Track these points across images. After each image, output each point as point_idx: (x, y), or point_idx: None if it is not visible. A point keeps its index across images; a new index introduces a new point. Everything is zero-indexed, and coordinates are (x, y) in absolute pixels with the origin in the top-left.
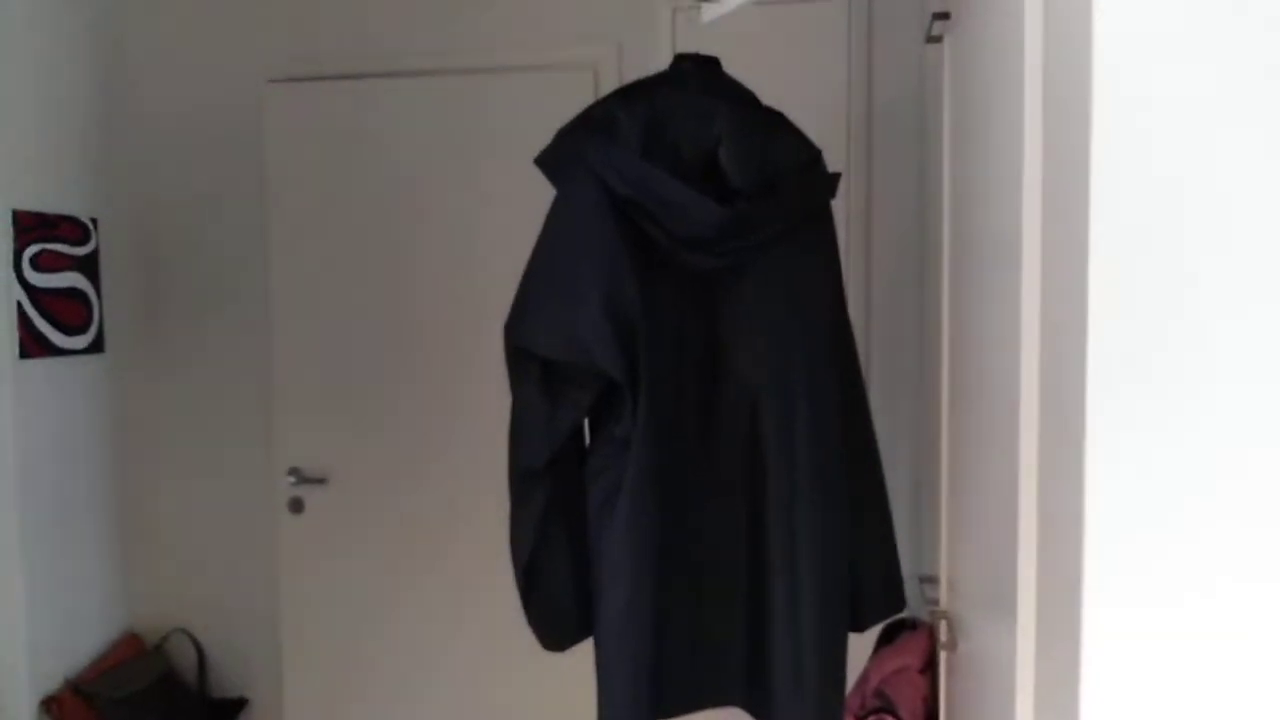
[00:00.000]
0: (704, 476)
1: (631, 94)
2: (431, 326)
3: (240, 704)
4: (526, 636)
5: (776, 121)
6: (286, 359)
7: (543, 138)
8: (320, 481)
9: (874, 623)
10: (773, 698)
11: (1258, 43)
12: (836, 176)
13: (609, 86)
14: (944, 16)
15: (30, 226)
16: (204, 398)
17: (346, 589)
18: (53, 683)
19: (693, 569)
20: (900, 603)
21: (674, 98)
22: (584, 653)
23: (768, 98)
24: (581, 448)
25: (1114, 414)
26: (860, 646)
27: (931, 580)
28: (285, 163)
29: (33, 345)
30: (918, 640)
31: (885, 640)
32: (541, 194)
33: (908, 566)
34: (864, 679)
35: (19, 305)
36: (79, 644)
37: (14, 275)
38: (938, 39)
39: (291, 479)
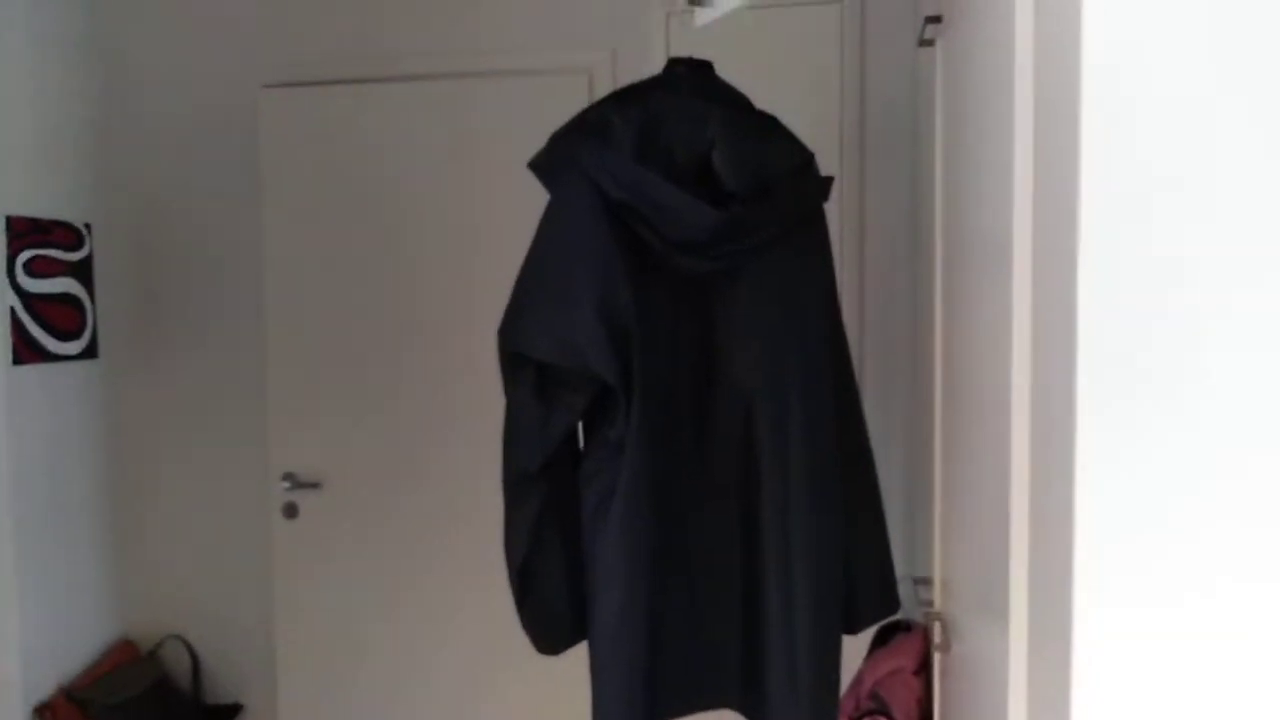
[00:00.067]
0: (698, 480)
1: (625, 98)
2: (425, 331)
3: (235, 710)
4: (521, 640)
5: (770, 125)
6: (281, 364)
7: (537, 142)
8: (314, 486)
9: (868, 624)
10: (767, 700)
11: (1249, 46)
12: (829, 180)
13: (603, 90)
14: (936, 20)
15: (23, 232)
16: (198, 403)
17: (341, 594)
18: (46, 689)
19: (687, 572)
20: (894, 604)
21: (668, 101)
22: (579, 657)
23: (761, 101)
24: (576, 451)
25: (1103, 415)
26: (855, 648)
27: (925, 582)
28: (280, 167)
29: (26, 351)
30: (912, 642)
31: (880, 642)
32: (536, 198)
33: (902, 568)
34: (858, 681)
35: (12, 311)
36: (72, 650)
37: (7, 281)
38: (930, 42)
39: (286, 484)
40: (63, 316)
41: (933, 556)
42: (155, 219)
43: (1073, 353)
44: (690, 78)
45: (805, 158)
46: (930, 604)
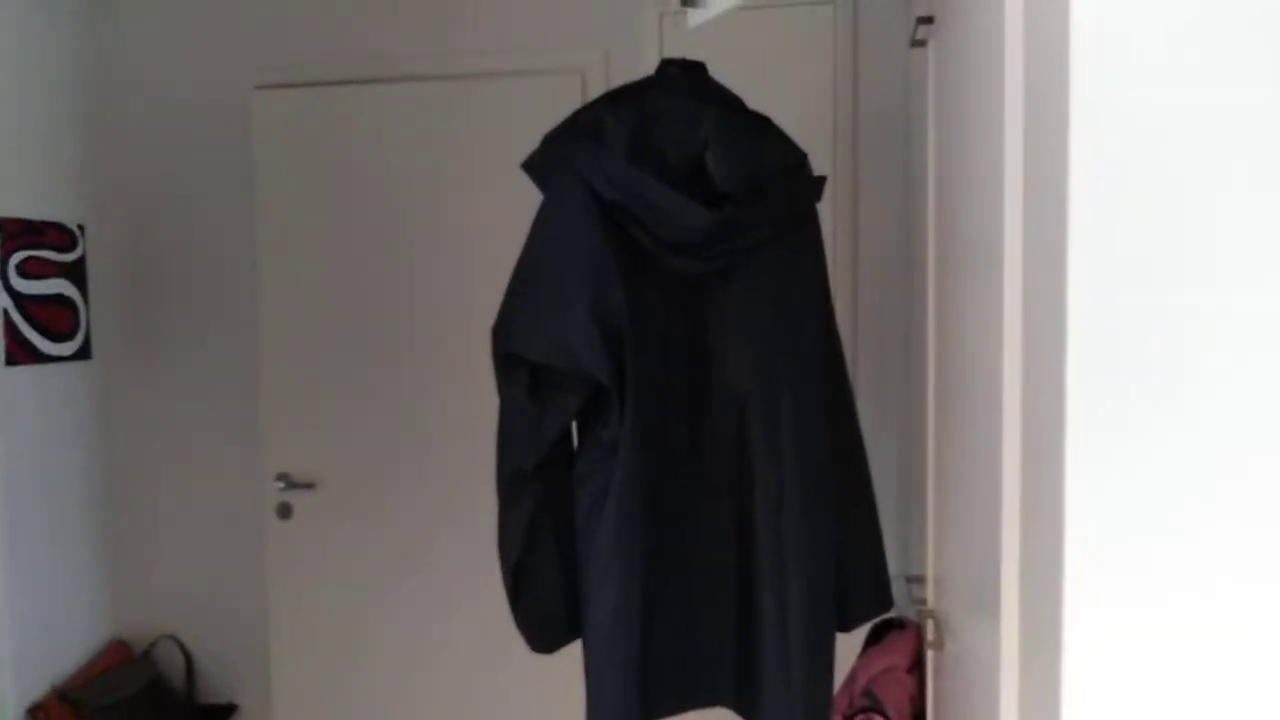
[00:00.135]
0: (692, 480)
1: (618, 99)
2: (419, 331)
3: (229, 710)
4: (516, 640)
5: (763, 125)
6: (274, 364)
7: (530, 142)
8: (308, 487)
9: (861, 622)
10: (761, 698)
11: (1237, 45)
12: (822, 180)
13: (596, 91)
14: (928, 21)
15: (16, 233)
16: (192, 403)
17: (335, 594)
18: (39, 690)
19: (681, 571)
20: (888, 602)
21: (661, 102)
22: (574, 655)
23: (754, 102)
24: (570, 451)
25: (1093, 414)
26: (848, 646)
27: (919, 580)
28: (273, 169)
29: (19, 352)
30: (905, 639)
31: (873, 640)
32: (529, 199)
33: (895, 566)
34: (852, 678)
35: (5, 312)
36: (66, 651)
37: (0, 282)
38: (922, 43)
39: (280, 484)
40: (56, 318)
41: (926, 554)
42: (149, 220)
43: (1062, 352)
44: (683, 78)
45: (798, 158)
46: (923, 602)
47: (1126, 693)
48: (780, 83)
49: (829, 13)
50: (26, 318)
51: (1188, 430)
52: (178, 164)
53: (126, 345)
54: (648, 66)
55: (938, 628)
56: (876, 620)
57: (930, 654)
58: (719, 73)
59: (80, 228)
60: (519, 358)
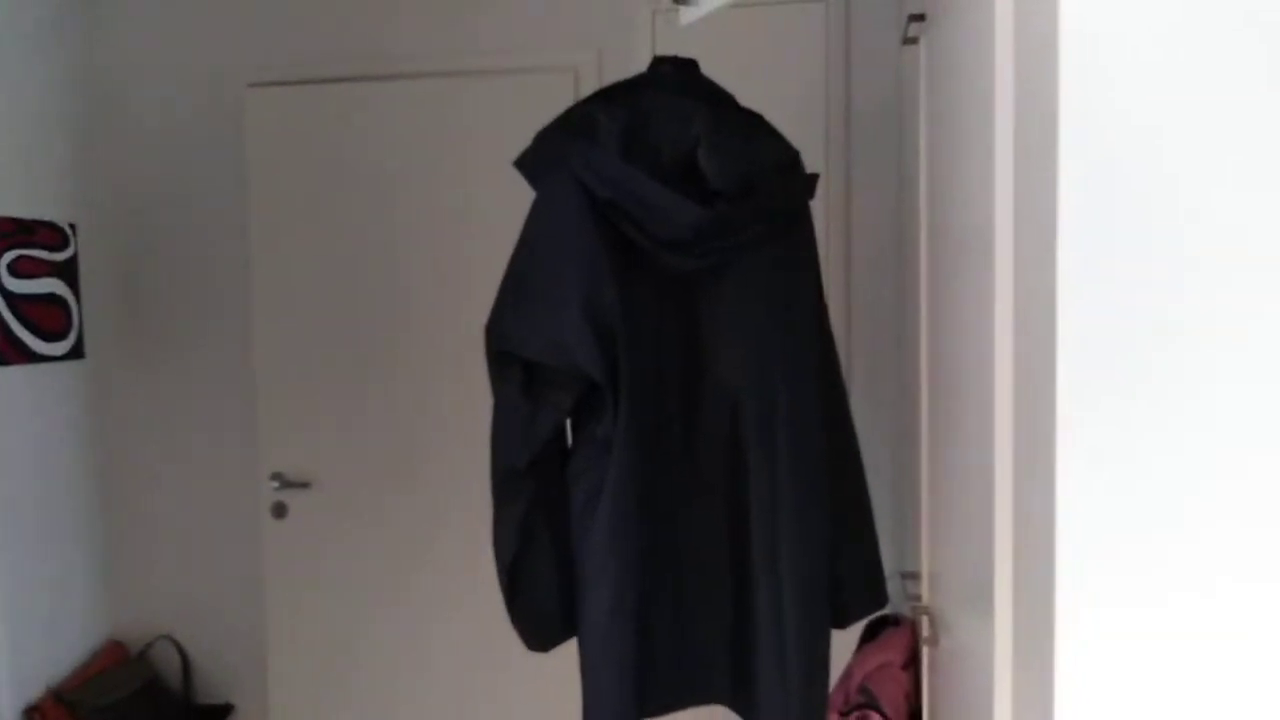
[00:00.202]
0: (686, 477)
1: (611, 96)
2: (413, 329)
3: (225, 710)
4: (512, 638)
5: (755, 123)
6: (268, 363)
7: (523, 140)
8: (304, 486)
9: (857, 619)
10: (757, 695)
11: (1226, 42)
12: (815, 177)
13: (589, 89)
14: (919, 18)
15: (7, 232)
16: (185, 403)
17: (331, 594)
18: (35, 691)
19: (676, 569)
20: (882, 599)
21: (653, 100)
22: (569, 653)
23: (746, 99)
24: (564, 449)
25: (1083, 411)
26: (844, 643)
27: (914, 576)
28: (266, 167)
29: (11, 352)
30: (900, 636)
31: (869, 636)
32: (522, 196)
33: (890, 563)
34: (848, 675)
35: None
36: (61, 652)
37: None
38: (914, 40)
39: (275, 484)
40: (48, 317)
41: (920, 551)
42: (141, 219)
43: (1052, 349)
44: (676, 76)
45: (791, 155)
46: (918, 599)
47: (1118, 688)
48: (772, 80)
49: (820, 10)
50: (18, 317)
51: (1177, 428)
52: (170, 162)
53: (119, 344)
54: (640, 64)
55: (932, 624)
56: (872, 617)
57: (925, 650)
58: (711, 70)
59: (72, 226)
60: (512, 355)
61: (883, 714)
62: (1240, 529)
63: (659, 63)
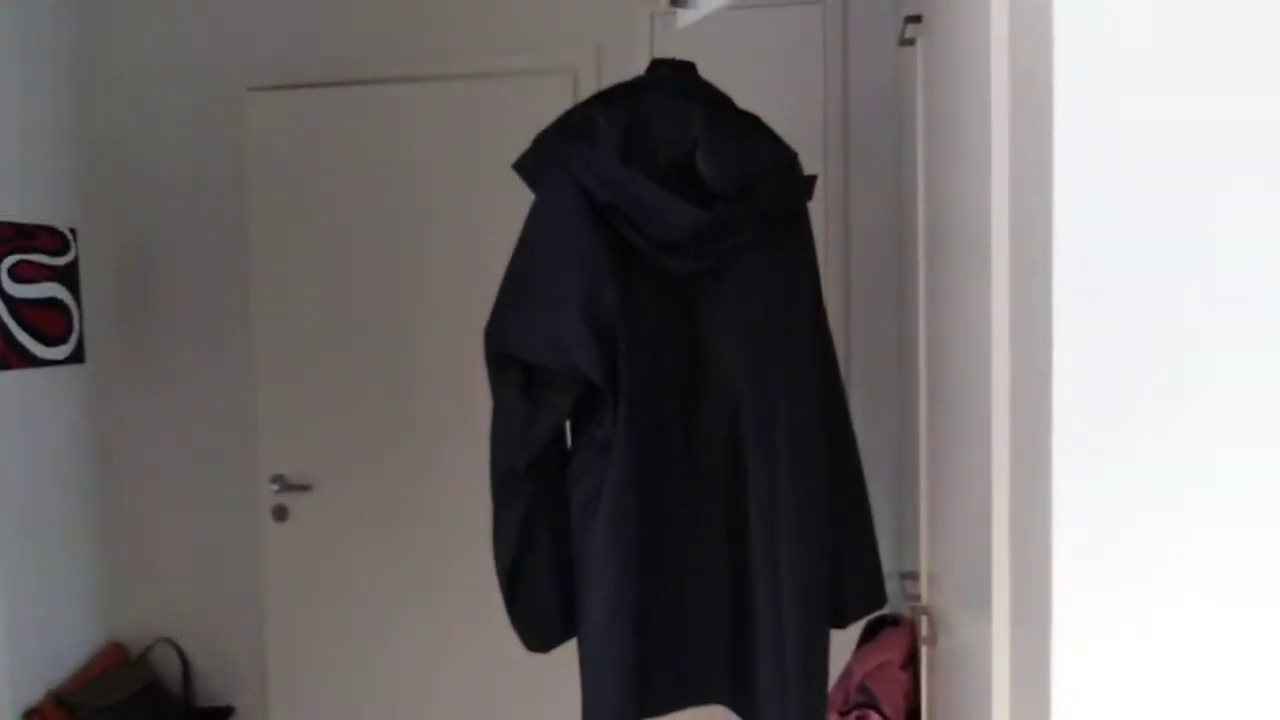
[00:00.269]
0: (686, 478)
1: (609, 98)
2: (413, 331)
3: (226, 713)
4: (512, 639)
5: (753, 124)
6: (269, 366)
7: (522, 143)
8: (304, 489)
9: (856, 619)
10: (756, 695)
11: (1224, 39)
12: (813, 179)
13: (588, 91)
14: (916, 20)
15: (7, 237)
16: (186, 406)
17: (331, 596)
18: (34, 694)
19: (676, 570)
20: (881, 599)
21: (651, 102)
22: (569, 654)
23: (744, 101)
24: (564, 450)
25: (1081, 411)
26: (843, 643)
27: (913, 576)
28: (266, 170)
29: (12, 356)
30: (899, 636)
31: (868, 636)
32: (521, 199)
33: (889, 563)
34: (847, 675)
35: None
36: (61, 655)
37: None
38: (911, 42)
39: (275, 486)
40: (49, 321)
41: (919, 551)
42: (141, 223)
43: (1049, 348)
44: (674, 78)
45: (789, 157)
46: (917, 598)
47: (1115, 688)
48: (770, 82)
49: (818, 12)
50: (19, 322)
51: (1177, 428)
52: (170, 166)
53: (120, 348)
54: (639, 66)
55: (931, 624)
56: (871, 617)
57: (924, 650)
58: (709, 72)
59: (72, 231)
60: (511, 357)
61: (882, 713)
62: (1240, 529)
63: (657, 65)
